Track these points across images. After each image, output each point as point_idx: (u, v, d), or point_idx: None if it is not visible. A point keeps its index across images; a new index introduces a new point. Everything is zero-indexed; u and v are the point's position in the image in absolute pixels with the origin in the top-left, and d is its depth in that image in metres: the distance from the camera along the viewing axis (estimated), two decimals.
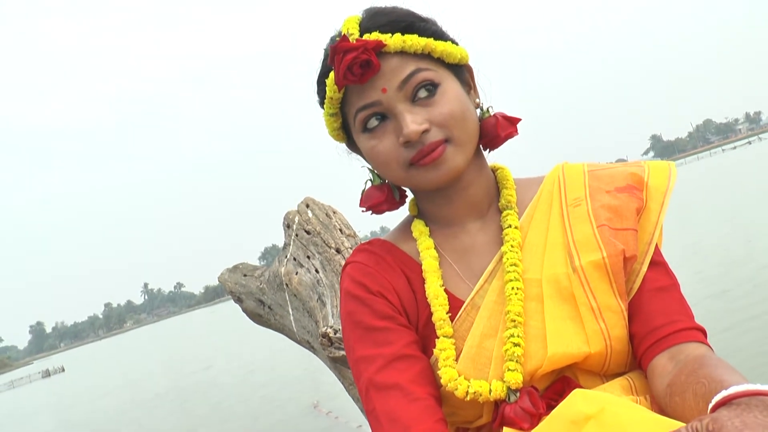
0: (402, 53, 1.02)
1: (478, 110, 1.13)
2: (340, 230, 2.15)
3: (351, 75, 1.00)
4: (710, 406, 0.74)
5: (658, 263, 1.07)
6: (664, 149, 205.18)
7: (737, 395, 0.71)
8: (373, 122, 1.04)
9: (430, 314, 1.06)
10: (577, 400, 0.83)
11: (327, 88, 1.06)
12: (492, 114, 1.12)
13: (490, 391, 0.99)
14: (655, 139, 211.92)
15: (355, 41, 1.00)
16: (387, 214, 1.19)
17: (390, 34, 1.01)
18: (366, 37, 1.01)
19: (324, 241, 2.10)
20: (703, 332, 1.02)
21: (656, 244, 1.08)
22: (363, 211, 1.16)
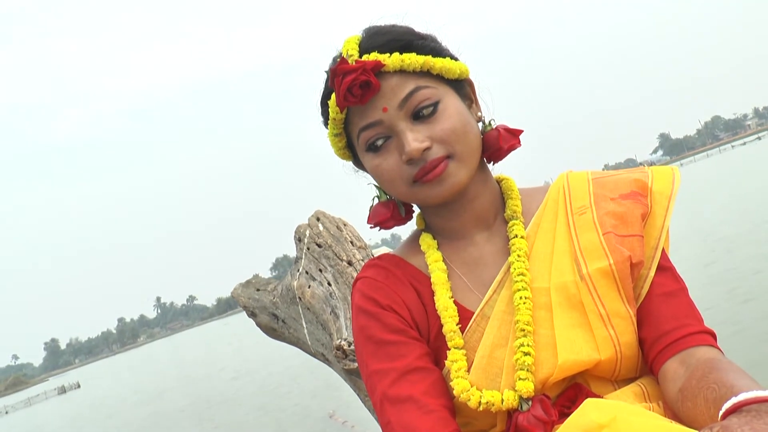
0: (401, 72, 1.04)
1: (480, 124, 1.14)
2: (351, 242, 2.17)
3: (351, 96, 1.02)
4: (720, 413, 0.75)
5: (665, 268, 1.07)
6: (673, 147, 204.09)
7: (747, 402, 0.72)
8: (377, 141, 1.06)
9: (441, 326, 1.07)
10: (589, 410, 0.83)
11: (330, 110, 1.08)
12: (494, 127, 1.14)
13: (503, 400, 1.00)
14: (664, 138, 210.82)
15: (354, 62, 1.02)
16: None
17: (388, 54, 1.03)
18: (365, 57, 1.03)
19: (335, 254, 2.11)
20: (713, 335, 1.02)
21: (663, 249, 1.09)
22: (371, 227, 1.18)
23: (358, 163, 1.17)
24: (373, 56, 1.03)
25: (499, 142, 1.12)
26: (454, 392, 1.03)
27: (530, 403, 1.00)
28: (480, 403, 1.01)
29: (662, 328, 1.02)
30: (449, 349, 1.05)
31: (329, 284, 2.05)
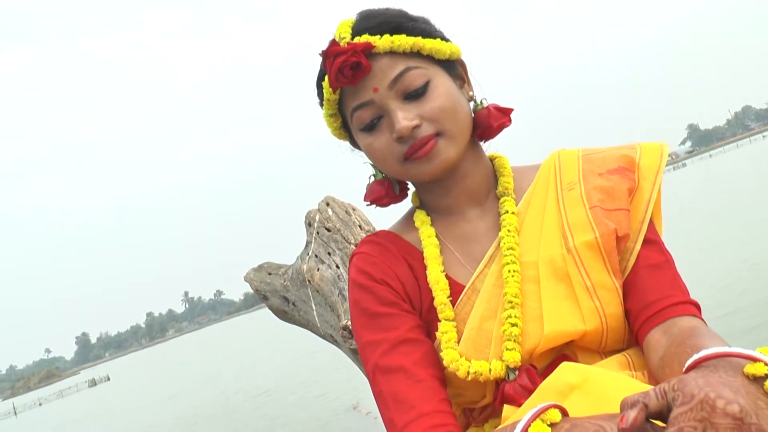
0: (391, 53, 1.07)
1: (472, 103, 1.17)
2: (359, 226, 2.21)
3: (343, 77, 1.06)
4: (683, 369, 0.77)
5: (652, 241, 1.09)
6: (702, 138, 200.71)
7: (707, 358, 0.74)
8: (369, 121, 1.09)
9: (433, 299, 1.11)
10: (563, 372, 0.86)
11: (324, 91, 1.12)
12: (485, 106, 1.17)
13: (490, 370, 1.03)
14: (692, 128, 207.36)
15: (346, 44, 1.06)
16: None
17: (379, 36, 1.06)
18: (357, 39, 1.06)
19: (344, 238, 2.16)
20: (697, 306, 1.04)
21: (652, 223, 1.11)
22: (367, 205, 1.21)
23: (354, 143, 1.20)
24: (364, 38, 1.06)
25: (489, 120, 1.15)
26: (444, 362, 1.06)
27: (517, 372, 1.03)
28: (468, 372, 1.04)
29: (647, 299, 1.04)
30: (440, 321, 1.09)
31: (337, 267, 2.10)
